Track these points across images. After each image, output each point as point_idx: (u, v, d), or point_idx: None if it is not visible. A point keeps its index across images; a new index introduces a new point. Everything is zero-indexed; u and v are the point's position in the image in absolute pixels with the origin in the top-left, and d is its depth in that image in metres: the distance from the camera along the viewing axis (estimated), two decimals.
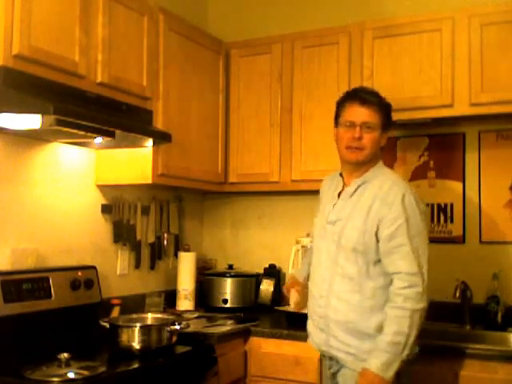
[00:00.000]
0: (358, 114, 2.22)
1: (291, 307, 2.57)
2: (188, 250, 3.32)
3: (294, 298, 2.47)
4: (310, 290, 2.35)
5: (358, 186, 2.24)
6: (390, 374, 2.02)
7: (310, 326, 2.32)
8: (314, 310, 2.29)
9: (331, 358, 2.24)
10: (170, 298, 3.21)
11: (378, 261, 2.14)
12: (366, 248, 2.13)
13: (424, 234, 2.13)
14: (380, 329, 2.07)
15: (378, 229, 2.12)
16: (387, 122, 2.27)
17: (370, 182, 2.23)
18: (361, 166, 2.25)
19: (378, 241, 2.13)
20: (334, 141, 2.33)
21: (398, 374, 2.09)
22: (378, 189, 2.18)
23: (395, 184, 2.18)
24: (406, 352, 2.03)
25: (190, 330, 2.56)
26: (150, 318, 2.58)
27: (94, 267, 2.73)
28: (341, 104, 2.32)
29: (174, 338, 2.41)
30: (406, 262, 2.07)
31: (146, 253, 3.24)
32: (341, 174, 2.36)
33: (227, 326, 2.81)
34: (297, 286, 2.47)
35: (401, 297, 2.05)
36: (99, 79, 2.46)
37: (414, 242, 2.08)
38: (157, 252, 3.31)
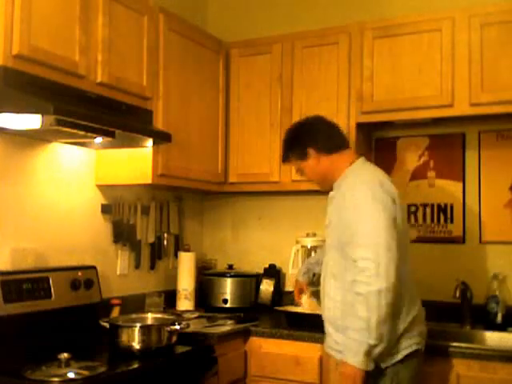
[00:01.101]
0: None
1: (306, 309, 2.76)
2: (188, 250, 3.32)
3: (306, 304, 2.70)
4: None
5: (338, 190, 2.33)
6: (357, 359, 2.02)
7: None
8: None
9: None
10: (170, 298, 3.21)
11: None
12: (340, 243, 2.21)
13: (381, 218, 2.10)
14: None
15: (341, 223, 2.22)
16: (300, 151, 2.37)
17: (342, 184, 2.31)
18: (329, 183, 2.36)
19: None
20: None
21: (391, 373, 2.12)
22: (345, 189, 2.27)
23: (353, 178, 2.26)
24: (374, 335, 2.01)
25: (189, 330, 2.56)
26: (150, 317, 2.58)
27: (94, 267, 2.73)
28: None
29: (174, 338, 2.41)
30: (360, 248, 2.10)
31: (146, 253, 3.24)
32: None
33: (227, 325, 2.81)
34: (305, 291, 2.70)
35: (356, 283, 2.08)
36: (99, 79, 2.46)
37: (368, 228, 2.09)
38: (157, 252, 3.31)
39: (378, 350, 2.04)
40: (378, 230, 2.09)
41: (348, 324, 2.11)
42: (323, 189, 2.41)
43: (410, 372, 2.19)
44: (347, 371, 2.06)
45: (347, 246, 2.16)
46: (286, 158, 2.46)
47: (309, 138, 2.37)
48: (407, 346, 2.17)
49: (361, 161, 2.36)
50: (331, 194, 2.36)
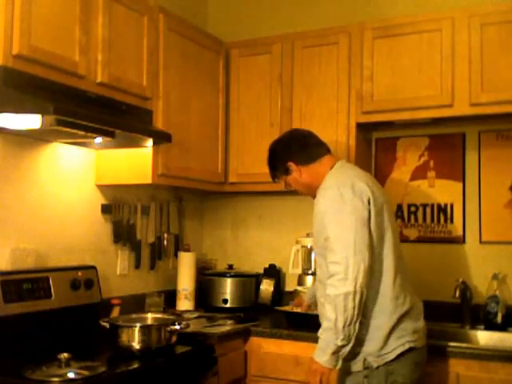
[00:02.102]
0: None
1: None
2: (188, 250, 3.32)
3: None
4: None
5: (318, 198, 2.35)
6: (324, 358, 2.10)
7: None
8: None
9: None
10: (170, 298, 3.21)
11: None
12: (322, 249, 2.22)
13: (349, 221, 2.13)
14: None
15: (317, 228, 2.26)
16: (282, 168, 2.46)
17: (320, 191, 2.34)
18: (315, 191, 2.36)
19: None
20: None
21: (384, 371, 2.15)
22: (318, 194, 2.32)
23: (324, 183, 2.31)
24: (341, 336, 2.06)
25: (189, 330, 2.56)
26: (150, 317, 2.58)
27: (94, 267, 2.73)
28: None
29: (174, 338, 2.41)
30: (330, 252, 2.14)
31: (146, 253, 3.24)
32: None
33: (227, 326, 2.81)
34: (303, 306, 2.84)
35: (327, 286, 2.12)
36: (99, 79, 2.46)
37: (336, 232, 2.14)
38: (157, 252, 3.31)
39: (345, 350, 2.10)
40: (347, 233, 2.12)
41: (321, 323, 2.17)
42: (313, 197, 2.43)
43: (407, 370, 2.19)
44: (314, 367, 2.14)
45: (324, 251, 2.20)
46: (273, 177, 2.55)
47: (285, 154, 2.46)
48: (399, 344, 2.17)
49: (338, 164, 2.40)
50: (315, 200, 2.38)
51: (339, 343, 2.07)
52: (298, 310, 2.90)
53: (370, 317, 2.18)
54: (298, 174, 2.43)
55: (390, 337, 2.17)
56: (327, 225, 2.18)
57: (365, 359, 2.17)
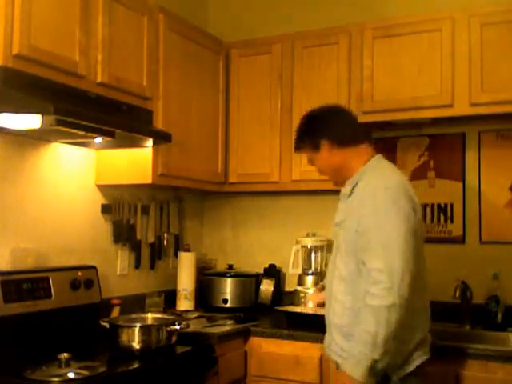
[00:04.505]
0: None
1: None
2: (188, 250, 3.32)
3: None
4: None
5: (353, 187, 2.18)
6: (359, 372, 1.94)
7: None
8: (324, 314, 2.27)
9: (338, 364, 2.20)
10: (170, 298, 3.21)
11: None
12: (355, 247, 2.07)
13: (400, 229, 1.98)
14: None
15: (359, 229, 2.07)
16: (312, 142, 2.23)
17: (361, 181, 2.16)
18: (341, 178, 2.24)
19: None
20: None
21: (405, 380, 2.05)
22: (363, 188, 2.13)
23: (375, 180, 2.11)
24: (379, 351, 1.93)
25: (190, 330, 2.56)
26: (150, 317, 2.58)
27: (94, 267, 2.73)
28: None
29: (174, 338, 2.41)
30: (375, 258, 1.98)
31: (146, 253, 3.24)
32: None
33: (227, 326, 2.81)
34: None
35: (368, 294, 1.98)
36: (99, 79, 2.46)
37: (385, 237, 1.98)
38: (157, 252, 3.31)
39: (380, 365, 1.97)
40: (397, 241, 1.97)
41: (354, 334, 2.02)
42: (334, 183, 2.29)
43: (420, 381, 2.12)
44: (345, 381, 2.00)
45: (363, 254, 2.03)
46: (297, 148, 2.31)
47: (323, 128, 2.21)
48: (419, 356, 2.10)
49: (377, 159, 2.22)
50: (344, 190, 2.23)
51: (377, 357, 1.93)
52: (298, 309, 2.90)
53: (403, 331, 2.01)
54: (328, 155, 2.20)
55: (415, 350, 2.08)
56: (376, 229, 1.99)
57: (385, 372, 2.04)
